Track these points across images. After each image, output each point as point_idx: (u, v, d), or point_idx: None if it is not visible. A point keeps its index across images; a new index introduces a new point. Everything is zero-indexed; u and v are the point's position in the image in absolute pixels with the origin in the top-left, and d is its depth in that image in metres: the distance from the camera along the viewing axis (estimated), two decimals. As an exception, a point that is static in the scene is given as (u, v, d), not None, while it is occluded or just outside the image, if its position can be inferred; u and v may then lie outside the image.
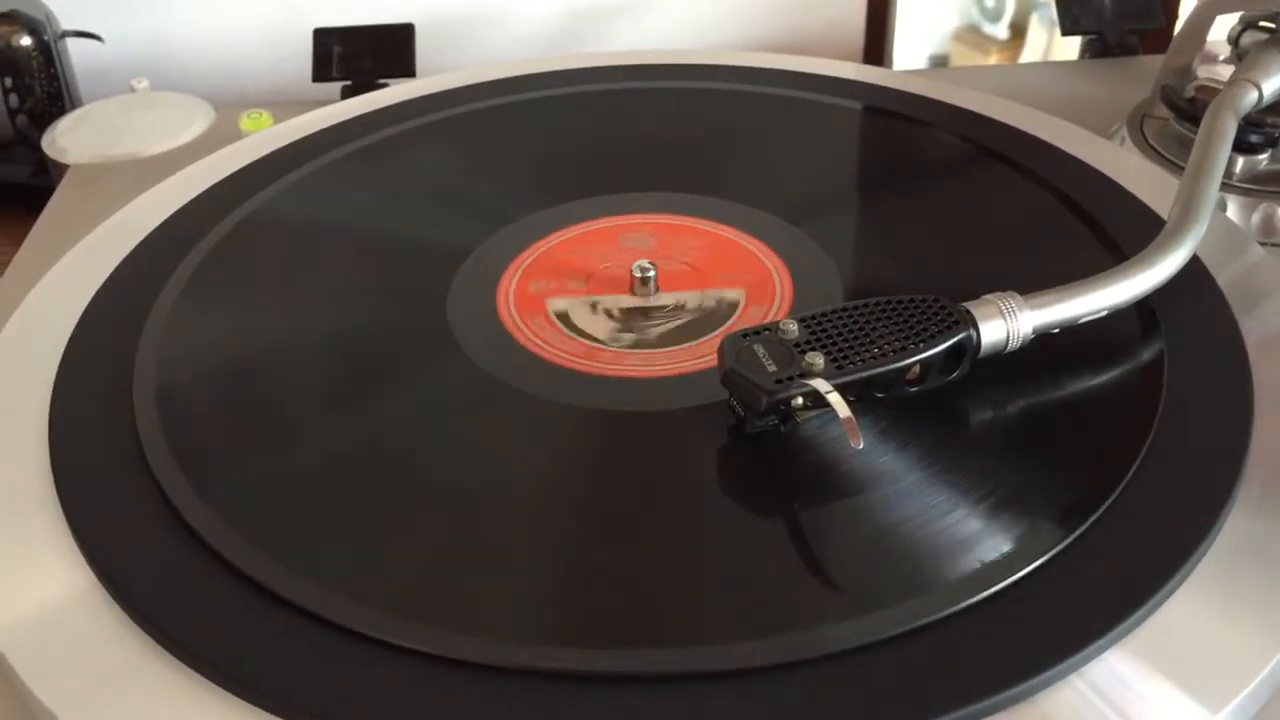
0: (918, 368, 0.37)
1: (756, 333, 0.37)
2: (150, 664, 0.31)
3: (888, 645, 0.30)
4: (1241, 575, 0.33)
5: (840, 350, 0.36)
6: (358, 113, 0.59)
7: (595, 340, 0.43)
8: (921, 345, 0.36)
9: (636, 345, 0.43)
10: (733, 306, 0.44)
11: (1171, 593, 0.32)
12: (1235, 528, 0.34)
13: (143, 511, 0.35)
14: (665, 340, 0.43)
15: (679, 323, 0.44)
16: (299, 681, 0.30)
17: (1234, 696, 0.30)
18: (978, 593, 0.31)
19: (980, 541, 0.33)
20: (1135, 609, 0.31)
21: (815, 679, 0.30)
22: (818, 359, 0.36)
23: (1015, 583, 0.32)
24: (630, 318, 0.44)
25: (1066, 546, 0.33)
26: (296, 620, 0.31)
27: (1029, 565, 0.32)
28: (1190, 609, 0.32)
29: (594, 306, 0.45)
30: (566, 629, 0.32)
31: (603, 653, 0.31)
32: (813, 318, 0.37)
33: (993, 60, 0.94)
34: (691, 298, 0.45)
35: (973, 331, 0.37)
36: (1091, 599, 0.31)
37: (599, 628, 0.32)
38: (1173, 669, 0.30)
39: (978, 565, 0.32)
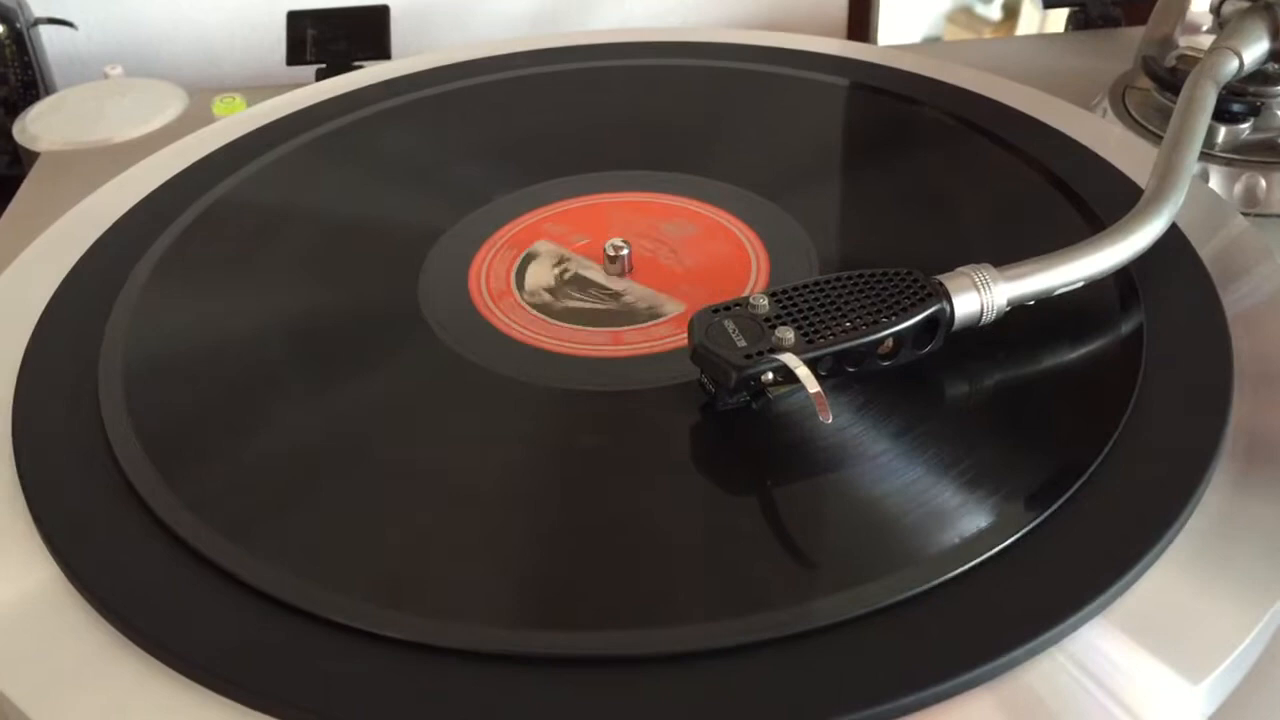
0: (890, 341, 0.36)
1: (727, 308, 0.37)
2: (118, 657, 0.30)
3: (867, 620, 0.30)
4: (1221, 547, 0.33)
5: (811, 325, 0.36)
6: (329, 95, 0.58)
7: (516, 289, 0.44)
8: (894, 319, 0.36)
9: (538, 309, 0.43)
10: (656, 316, 0.43)
11: (1151, 565, 0.32)
12: (1215, 499, 0.34)
13: (109, 502, 0.35)
14: (567, 316, 0.43)
15: (594, 307, 0.43)
16: (270, 671, 0.29)
17: (1215, 668, 0.29)
18: (957, 567, 0.31)
19: (959, 516, 0.33)
20: (1115, 581, 0.31)
21: (793, 655, 0.29)
22: (788, 334, 0.35)
23: (994, 556, 0.31)
24: (567, 285, 0.44)
25: (1046, 519, 0.33)
26: (267, 609, 0.31)
27: (1008, 539, 0.32)
28: (1170, 581, 0.32)
29: (559, 259, 0.45)
30: (542, 612, 0.32)
31: (579, 635, 0.30)
32: (784, 292, 0.37)
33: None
34: (637, 291, 0.44)
35: (945, 304, 0.37)
36: (1071, 572, 0.31)
37: (573, 611, 0.31)
38: (1153, 641, 0.30)
39: (957, 540, 0.32)
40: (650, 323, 0.42)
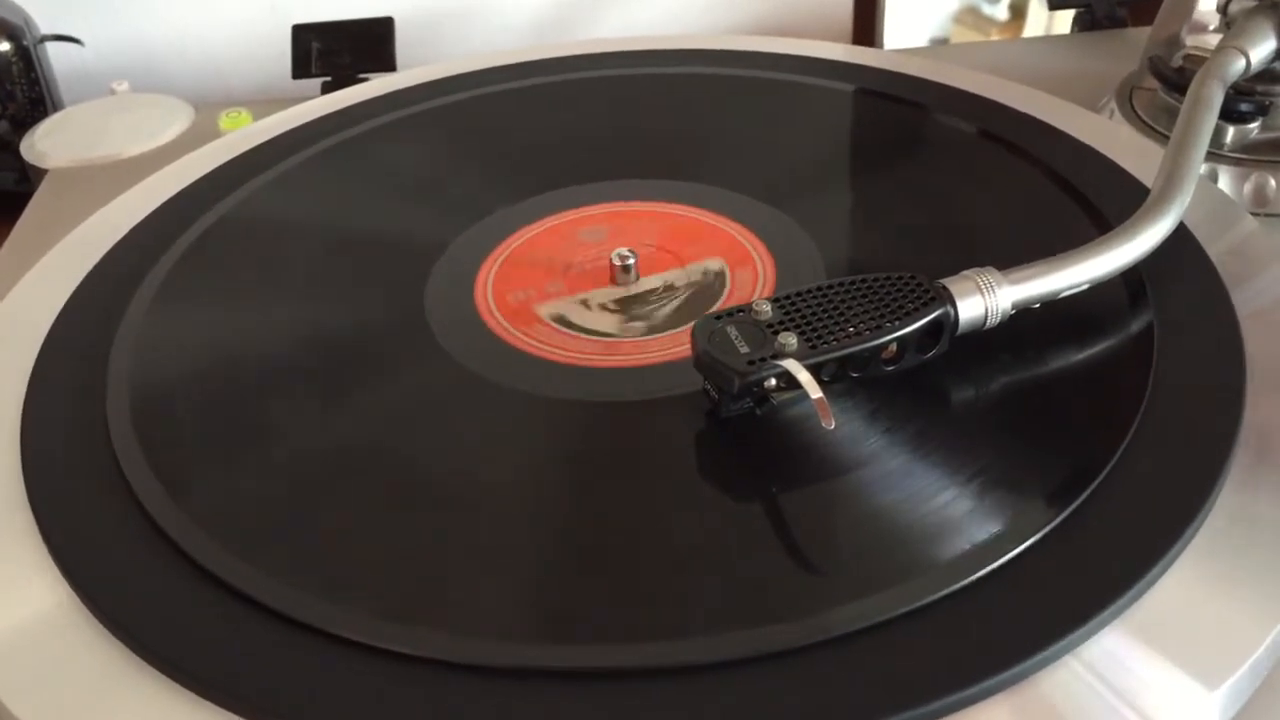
0: (894, 346, 0.36)
1: (730, 314, 0.36)
2: (129, 677, 0.30)
3: (880, 630, 0.30)
4: (1236, 550, 0.32)
5: (814, 330, 0.36)
6: (335, 108, 0.58)
7: (607, 335, 0.42)
8: (897, 323, 0.36)
9: (650, 332, 0.42)
10: (720, 276, 0.43)
11: (1166, 569, 0.31)
12: (1229, 502, 0.33)
13: (118, 521, 0.35)
14: (673, 321, 0.42)
15: (678, 301, 0.43)
16: (281, 688, 0.29)
17: (1232, 673, 0.29)
18: (969, 575, 0.31)
19: (971, 522, 0.32)
20: (1129, 587, 0.30)
21: (806, 666, 0.29)
22: (791, 339, 0.35)
23: (1007, 563, 0.31)
24: (629, 306, 0.44)
25: (1058, 525, 0.32)
26: (278, 626, 0.31)
27: (1020, 545, 0.32)
28: (1185, 585, 0.31)
29: (586, 303, 0.44)
30: (553, 626, 0.31)
31: (589, 648, 0.30)
32: (786, 298, 0.37)
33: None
34: (676, 276, 0.44)
35: (950, 308, 0.36)
36: (1085, 578, 0.31)
37: (582, 624, 0.31)
38: (1169, 646, 0.30)
39: (969, 547, 0.32)
40: (728, 286, 0.43)
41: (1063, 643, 0.29)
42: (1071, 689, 0.29)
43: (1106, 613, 0.30)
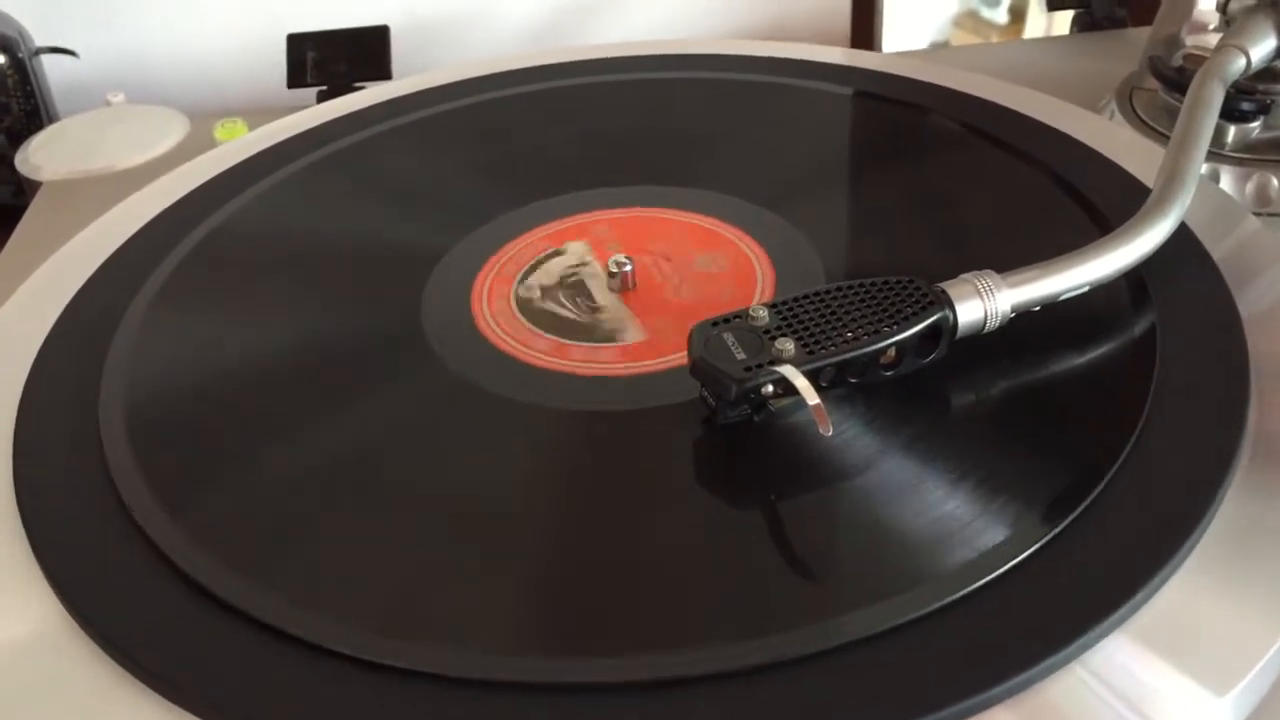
0: (893, 351, 0.36)
1: (726, 320, 0.36)
2: (123, 695, 0.30)
3: (882, 639, 0.29)
4: (1243, 553, 0.32)
5: (812, 335, 0.35)
6: (330, 117, 0.58)
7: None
8: (895, 328, 0.35)
9: (521, 305, 0.43)
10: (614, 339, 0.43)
11: (1172, 574, 0.31)
12: (1235, 505, 0.33)
13: (111, 537, 0.34)
14: (543, 321, 0.43)
15: (569, 317, 0.43)
16: (277, 706, 0.29)
17: (1241, 678, 0.29)
18: (972, 582, 0.30)
19: (972, 529, 0.32)
20: (1135, 593, 0.30)
21: (807, 676, 0.29)
22: (788, 345, 0.35)
23: (1010, 570, 0.31)
24: (563, 290, 0.44)
25: (1062, 531, 0.32)
26: (275, 643, 0.30)
27: (1024, 552, 0.31)
28: (1191, 590, 0.31)
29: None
30: (555, 638, 0.31)
31: (590, 661, 0.30)
32: (784, 303, 0.36)
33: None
34: (616, 309, 0.44)
35: (948, 312, 0.36)
36: (1089, 584, 0.30)
37: (584, 636, 0.31)
38: (1176, 652, 0.29)
39: (972, 554, 0.31)
40: (609, 344, 0.42)
41: (1068, 650, 0.29)
42: (1078, 697, 0.28)
43: (1112, 619, 0.29)
